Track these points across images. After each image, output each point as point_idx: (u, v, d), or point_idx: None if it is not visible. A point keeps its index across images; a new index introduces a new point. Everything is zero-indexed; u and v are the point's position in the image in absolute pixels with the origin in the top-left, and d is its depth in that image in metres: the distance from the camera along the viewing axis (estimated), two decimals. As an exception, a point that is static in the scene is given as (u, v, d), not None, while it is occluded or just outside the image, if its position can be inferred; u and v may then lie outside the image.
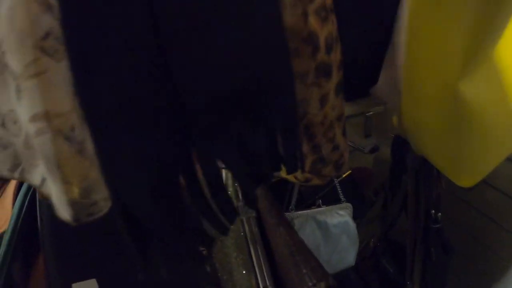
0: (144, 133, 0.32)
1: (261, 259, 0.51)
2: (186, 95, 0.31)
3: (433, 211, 0.93)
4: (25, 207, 0.61)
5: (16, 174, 0.37)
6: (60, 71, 0.29)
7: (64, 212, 0.34)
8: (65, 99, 0.29)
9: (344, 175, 0.83)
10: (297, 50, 0.38)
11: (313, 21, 0.38)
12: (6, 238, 0.58)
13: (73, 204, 0.33)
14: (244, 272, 0.52)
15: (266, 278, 0.49)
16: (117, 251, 0.61)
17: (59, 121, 0.30)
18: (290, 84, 0.36)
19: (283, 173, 0.45)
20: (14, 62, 0.29)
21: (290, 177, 0.49)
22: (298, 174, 0.48)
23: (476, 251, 1.07)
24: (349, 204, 0.82)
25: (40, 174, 0.35)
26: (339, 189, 0.81)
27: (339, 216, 0.81)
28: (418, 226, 0.97)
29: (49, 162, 0.31)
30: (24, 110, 0.30)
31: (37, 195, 0.61)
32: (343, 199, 0.81)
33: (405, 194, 1.00)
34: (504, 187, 0.99)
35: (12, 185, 0.65)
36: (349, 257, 0.86)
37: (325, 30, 0.40)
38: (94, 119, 0.30)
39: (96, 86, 0.29)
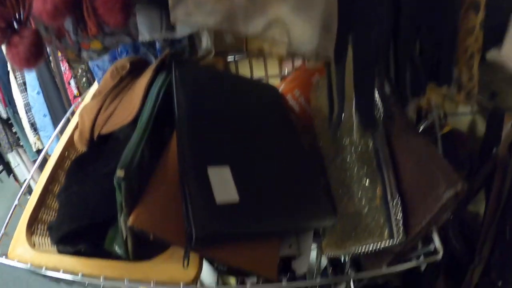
0: None
1: (390, 170, 0.57)
2: None
3: (520, 190, 0.94)
4: (161, 94, 0.65)
5: (226, 24, 0.45)
6: None
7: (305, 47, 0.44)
8: None
9: (445, 130, 0.86)
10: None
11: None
12: (145, 116, 0.62)
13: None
14: (368, 182, 0.58)
15: (393, 187, 0.55)
16: (248, 141, 0.66)
17: None
18: (459, 12, 0.43)
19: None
20: None
21: (424, 102, 0.55)
22: (433, 96, 0.54)
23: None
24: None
25: (265, 20, 0.45)
26: (439, 142, 0.84)
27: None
28: (498, 202, 0.98)
29: None
30: None
31: (174, 84, 0.65)
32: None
33: (492, 167, 1.01)
34: None
35: (142, 82, 0.68)
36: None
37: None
38: None
39: None
